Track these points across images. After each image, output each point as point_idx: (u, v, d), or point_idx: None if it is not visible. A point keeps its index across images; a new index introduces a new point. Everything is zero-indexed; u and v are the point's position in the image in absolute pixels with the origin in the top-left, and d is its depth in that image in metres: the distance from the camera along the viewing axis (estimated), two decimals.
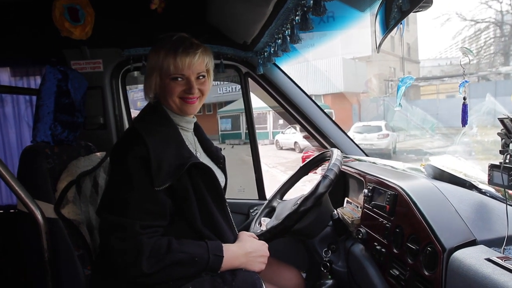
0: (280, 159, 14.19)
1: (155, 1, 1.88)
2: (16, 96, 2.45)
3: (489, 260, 0.90)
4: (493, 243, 1.02)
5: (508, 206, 1.05)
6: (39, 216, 1.32)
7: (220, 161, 1.54)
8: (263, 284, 1.25)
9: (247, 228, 1.79)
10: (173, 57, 1.25)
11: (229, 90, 23.92)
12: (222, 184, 1.48)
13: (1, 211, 2.49)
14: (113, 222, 1.15)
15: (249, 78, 2.25)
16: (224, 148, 1.69)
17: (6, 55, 2.14)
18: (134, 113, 1.88)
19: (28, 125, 2.48)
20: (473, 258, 0.92)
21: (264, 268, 1.33)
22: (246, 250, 1.30)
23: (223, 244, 1.27)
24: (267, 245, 1.38)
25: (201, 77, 1.32)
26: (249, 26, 1.73)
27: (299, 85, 2.21)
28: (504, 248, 0.99)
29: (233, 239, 1.36)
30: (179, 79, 1.28)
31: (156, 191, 1.17)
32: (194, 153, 1.37)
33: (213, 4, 1.84)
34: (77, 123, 1.73)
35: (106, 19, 1.93)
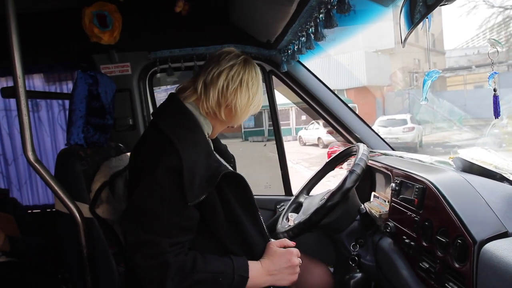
0: (303, 155, 14.14)
1: (179, 4, 1.92)
2: (50, 101, 2.56)
3: None
4: None
5: None
6: (77, 216, 1.38)
7: (231, 160, 1.52)
8: None
9: (274, 224, 1.82)
10: (261, 97, 1.32)
11: None
12: None
13: (39, 211, 2.62)
14: (140, 238, 1.12)
15: (273, 76, 2.27)
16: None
17: (39, 61, 2.24)
18: None
19: (62, 128, 2.59)
20: (505, 249, 0.92)
21: (296, 278, 1.29)
22: (271, 269, 1.25)
23: (249, 262, 1.23)
24: (294, 252, 1.31)
25: None
26: (272, 24, 1.75)
27: (322, 80, 2.22)
28: None
29: (263, 248, 1.32)
30: None
31: (188, 206, 1.12)
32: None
33: (236, 4, 1.87)
34: (107, 125, 1.79)
35: (132, 24, 1.99)
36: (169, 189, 1.12)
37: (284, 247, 1.32)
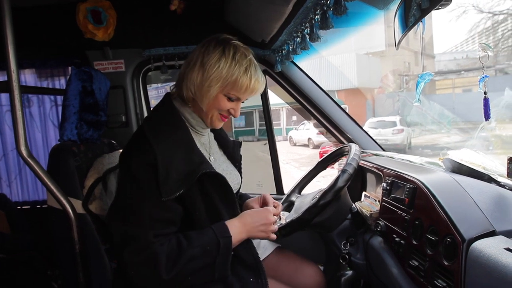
0: (294, 155, 14.20)
1: (174, 2, 1.93)
2: (41, 97, 2.54)
3: (508, 249, 0.92)
4: None
5: None
6: (70, 211, 1.38)
7: (236, 161, 1.52)
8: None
9: None
10: (249, 80, 1.22)
11: None
12: (238, 186, 1.48)
13: (29, 207, 2.59)
14: (126, 233, 1.13)
15: (266, 76, 2.29)
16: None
17: (32, 57, 2.23)
18: None
19: (54, 124, 2.57)
20: (492, 247, 0.95)
21: (269, 236, 1.30)
22: (246, 221, 1.27)
23: (227, 222, 1.25)
24: (271, 211, 1.33)
25: (244, 101, 1.32)
26: (267, 24, 1.77)
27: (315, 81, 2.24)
28: None
29: (247, 246, 1.33)
30: (234, 99, 1.26)
31: (165, 200, 1.13)
32: (208, 157, 1.35)
33: (231, 3, 1.87)
34: (101, 121, 1.79)
35: (127, 21, 1.99)
36: (147, 184, 1.13)
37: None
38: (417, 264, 1.24)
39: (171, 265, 1.11)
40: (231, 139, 1.54)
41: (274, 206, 1.43)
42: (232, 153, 1.51)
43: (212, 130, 1.48)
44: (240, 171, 1.53)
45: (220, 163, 1.42)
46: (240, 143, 1.57)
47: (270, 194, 1.72)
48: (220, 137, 1.51)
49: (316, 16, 1.37)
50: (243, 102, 1.31)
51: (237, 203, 1.35)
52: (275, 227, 1.34)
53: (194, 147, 1.25)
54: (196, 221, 1.23)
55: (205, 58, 1.21)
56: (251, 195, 1.59)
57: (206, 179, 1.21)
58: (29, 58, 2.21)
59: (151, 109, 2.38)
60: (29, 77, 2.47)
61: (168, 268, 1.11)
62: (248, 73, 1.22)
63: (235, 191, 1.42)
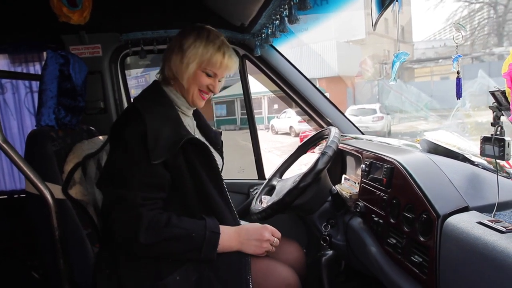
0: (275, 143, 14.27)
1: None
2: (16, 83, 2.47)
3: (480, 223, 0.95)
4: (484, 209, 1.08)
5: (498, 175, 1.11)
6: (49, 197, 1.35)
7: (218, 147, 1.60)
8: (249, 263, 1.30)
9: (247, 207, 1.85)
10: (222, 57, 1.35)
11: None
12: (220, 168, 1.53)
13: (5, 197, 2.53)
14: (115, 195, 1.22)
15: (246, 61, 2.28)
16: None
17: (4, 41, 2.15)
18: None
19: (29, 111, 2.51)
20: (465, 222, 0.98)
21: (261, 252, 1.36)
22: (241, 233, 1.34)
23: (222, 226, 1.32)
24: (268, 229, 1.39)
25: (221, 79, 1.43)
26: (246, 7, 1.76)
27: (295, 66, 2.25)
28: (494, 213, 1.05)
29: (231, 217, 1.40)
30: (211, 75, 1.37)
31: (153, 165, 1.22)
32: (193, 133, 1.42)
33: None
34: (79, 107, 1.76)
35: (103, 4, 1.94)
36: (136, 149, 1.22)
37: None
38: (394, 242, 1.27)
39: (152, 233, 1.19)
40: (213, 128, 1.64)
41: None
42: (214, 138, 1.60)
43: (195, 118, 1.56)
44: (221, 155, 1.61)
45: None
46: (221, 132, 1.68)
47: (252, 180, 1.74)
48: (203, 124, 1.60)
49: None
50: (219, 81, 1.42)
51: (220, 175, 1.42)
52: (271, 247, 1.38)
53: (181, 123, 1.36)
54: (182, 190, 1.31)
55: (182, 41, 1.35)
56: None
57: (190, 148, 1.30)
58: (1, 42, 2.14)
59: (131, 96, 2.36)
60: (1, 63, 2.39)
61: (149, 234, 1.18)
62: (221, 50, 1.35)
63: None
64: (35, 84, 2.43)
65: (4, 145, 1.29)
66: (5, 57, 2.38)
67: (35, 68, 2.42)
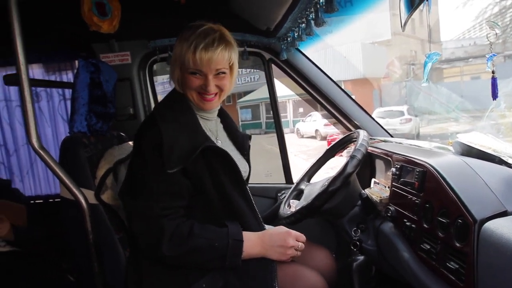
0: (301, 147, 14.18)
1: None
2: (50, 91, 2.56)
3: None
4: None
5: None
6: (83, 202, 1.39)
7: (244, 151, 1.55)
8: (275, 270, 1.27)
9: (275, 212, 1.84)
10: (193, 53, 1.24)
11: (247, 80, 23.93)
12: (246, 174, 1.50)
13: (41, 201, 2.63)
14: (134, 206, 1.23)
15: (272, 65, 2.28)
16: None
17: (38, 51, 2.24)
18: None
19: (63, 118, 2.59)
20: (504, 227, 0.94)
21: (286, 259, 1.33)
22: (264, 239, 1.31)
23: (245, 232, 1.29)
24: (292, 235, 1.34)
25: (221, 74, 1.30)
26: (272, 12, 1.76)
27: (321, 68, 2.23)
28: None
29: (256, 222, 1.37)
30: (197, 74, 1.28)
31: (170, 174, 1.20)
32: (214, 140, 1.39)
33: None
34: (109, 113, 1.80)
35: (132, 12, 1.98)
36: (152, 159, 1.21)
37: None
38: (428, 247, 1.24)
39: (174, 244, 1.19)
40: (241, 132, 1.58)
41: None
42: (242, 142, 1.55)
43: (222, 121, 1.53)
44: (248, 161, 1.56)
45: (228, 149, 1.43)
46: (250, 136, 1.61)
47: (279, 184, 1.73)
48: (231, 127, 1.55)
49: (321, 0, 1.36)
50: (221, 74, 1.31)
51: (244, 181, 1.37)
52: (296, 252, 1.35)
53: (199, 129, 1.32)
54: (205, 198, 1.29)
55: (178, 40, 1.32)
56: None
57: (211, 155, 1.28)
58: (36, 52, 2.22)
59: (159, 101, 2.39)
60: (37, 72, 2.49)
61: (171, 246, 1.18)
62: (191, 46, 1.24)
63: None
64: (68, 92, 2.51)
65: (41, 152, 1.34)
66: (39, 66, 2.47)
67: (68, 77, 2.50)
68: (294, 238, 1.34)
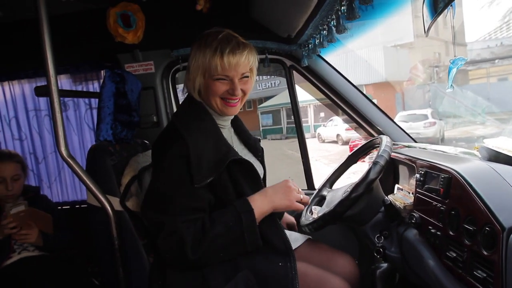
0: (323, 152, 14.08)
1: (200, 2, 1.96)
2: (77, 101, 2.64)
3: None
4: None
5: None
6: (109, 209, 1.43)
7: (258, 153, 1.56)
8: (296, 277, 1.26)
9: (297, 218, 1.83)
10: (220, 58, 1.25)
11: (268, 86, 24.00)
12: (261, 176, 1.51)
13: (68, 207, 2.70)
14: (157, 221, 1.22)
15: (293, 71, 2.29)
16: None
17: (66, 62, 2.32)
18: None
19: (89, 127, 2.67)
20: None
21: (292, 203, 1.33)
22: (267, 193, 1.32)
23: (250, 196, 1.30)
24: (290, 181, 1.37)
25: (245, 77, 1.33)
26: (293, 19, 1.77)
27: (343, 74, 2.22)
28: None
29: (277, 230, 1.38)
30: (223, 79, 1.29)
31: (196, 188, 1.21)
32: (231, 144, 1.40)
33: None
34: (134, 122, 1.85)
35: (155, 23, 2.04)
36: (178, 173, 1.22)
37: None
38: (454, 255, 1.21)
39: (196, 246, 1.19)
40: (252, 135, 1.60)
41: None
42: (254, 145, 1.56)
43: (233, 127, 1.53)
44: (262, 162, 1.58)
45: (243, 153, 1.47)
46: (259, 139, 1.63)
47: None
48: (241, 130, 1.56)
49: (342, 7, 1.36)
50: (245, 78, 1.33)
51: (262, 185, 1.40)
52: (299, 195, 1.36)
53: (220, 136, 1.34)
54: (226, 203, 1.30)
55: (189, 57, 1.35)
56: None
57: (234, 166, 1.30)
58: (64, 64, 2.30)
59: None
60: (64, 83, 2.57)
61: (194, 249, 1.19)
62: (217, 51, 1.26)
63: None
64: (94, 101, 2.58)
65: (69, 159, 1.38)
66: (67, 77, 2.55)
67: (94, 86, 2.57)
68: (292, 184, 1.37)
